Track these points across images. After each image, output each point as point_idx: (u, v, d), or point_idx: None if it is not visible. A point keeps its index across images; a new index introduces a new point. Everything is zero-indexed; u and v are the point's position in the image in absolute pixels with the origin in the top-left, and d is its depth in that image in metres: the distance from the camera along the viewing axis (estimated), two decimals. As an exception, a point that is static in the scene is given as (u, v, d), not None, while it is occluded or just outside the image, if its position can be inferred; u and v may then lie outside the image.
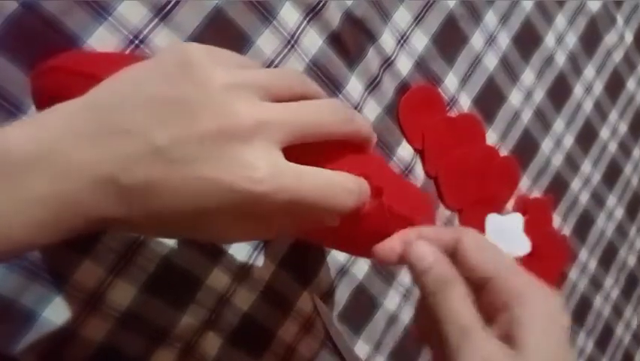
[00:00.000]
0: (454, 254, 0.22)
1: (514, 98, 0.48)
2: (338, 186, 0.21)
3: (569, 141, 0.54)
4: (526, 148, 0.50)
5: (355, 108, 0.39)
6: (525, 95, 0.49)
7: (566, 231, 0.56)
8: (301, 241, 0.37)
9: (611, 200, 0.60)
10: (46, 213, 0.18)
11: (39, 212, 0.18)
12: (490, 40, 0.46)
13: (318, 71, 0.36)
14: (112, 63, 0.22)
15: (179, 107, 0.18)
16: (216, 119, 0.18)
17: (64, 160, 0.18)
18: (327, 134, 0.22)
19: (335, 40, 0.37)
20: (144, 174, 0.18)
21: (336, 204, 0.21)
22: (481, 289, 0.21)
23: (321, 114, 0.22)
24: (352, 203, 0.22)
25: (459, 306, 0.20)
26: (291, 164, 0.20)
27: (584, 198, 0.57)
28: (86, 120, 0.18)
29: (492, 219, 0.48)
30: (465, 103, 0.45)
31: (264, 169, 0.19)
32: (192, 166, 0.18)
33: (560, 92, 0.52)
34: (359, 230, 0.25)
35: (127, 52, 0.30)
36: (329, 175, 0.21)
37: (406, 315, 0.44)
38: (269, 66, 0.34)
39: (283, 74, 0.22)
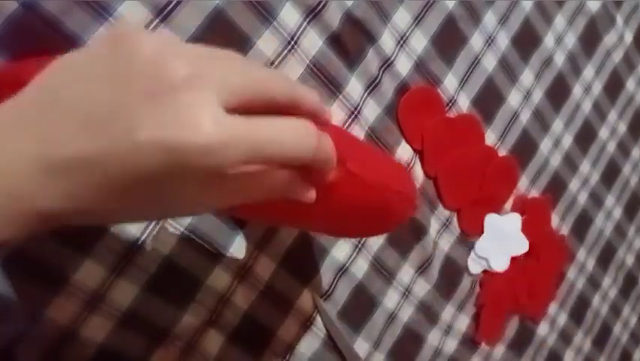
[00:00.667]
0: None
1: (513, 98, 0.48)
2: (298, 127, 0.20)
3: (567, 141, 0.54)
4: (525, 148, 0.50)
5: (355, 109, 0.39)
6: (524, 95, 0.49)
7: (565, 230, 0.56)
8: (301, 241, 0.37)
9: (610, 200, 0.60)
10: None
11: None
12: (490, 40, 0.46)
13: (318, 71, 0.37)
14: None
15: (112, 76, 0.17)
16: (145, 79, 0.17)
17: (4, 159, 0.17)
18: (273, 100, 0.19)
19: (335, 41, 0.37)
20: (82, 150, 0.17)
21: (299, 149, 0.19)
22: None
23: (266, 79, 0.20)
24: (314, 146, 0.20)
25: None
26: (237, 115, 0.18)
27: (583, 198, 0.57)
28: (21, 109, 0.18)
29: (491, 219, 0.48)
30: (464, 103, 0.45)
31: (205, 118, 0.17)
32: (129, 133, 0.17)
33: (559, 92, 0.52)
34: (333, 205, 0.24)
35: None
36: (285, 119, 0.19)
37: (405, 314, 0.44)
38: (269, 67, 0.34)
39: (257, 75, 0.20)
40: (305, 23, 0.36)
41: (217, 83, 0.18)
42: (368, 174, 0.24)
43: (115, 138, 0.17)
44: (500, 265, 0.49)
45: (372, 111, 0.40)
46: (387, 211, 0.26)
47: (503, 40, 0.47)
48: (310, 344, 0.39)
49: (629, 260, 0.65)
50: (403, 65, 0.41)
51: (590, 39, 0.54)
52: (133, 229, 0.31)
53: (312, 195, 0.22)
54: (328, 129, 0.24)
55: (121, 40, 0.18)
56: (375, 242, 0.42)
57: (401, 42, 0.41)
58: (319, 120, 0.22)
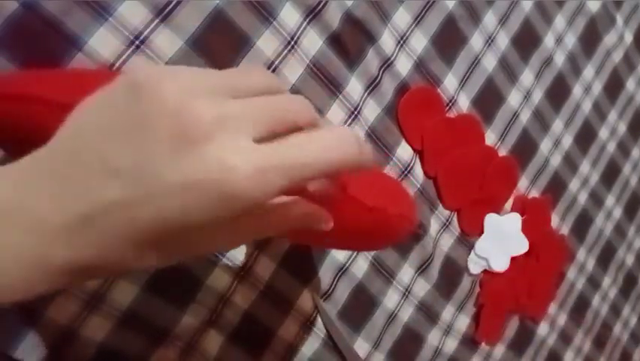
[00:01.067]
0: None
1: (513, 98, 0.48)
2: (340, 134, 0.19)
3: (567, 141, 0.54)
4: (525, 148, 0.50)
5: (355, 109, 0.39)
6: (524, 95, 0.49)
7: (565, 230, 0.56)
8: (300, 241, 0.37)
9: (610, 200, 0.60)
10: (18, 270, 0.17)
11: (12, 267, 0.17)
12: (490, 40, 0.46)
13: (318, 71, 0.37)
14: (64, 82, 0.22)
15: (133, 128, 0.17)
16: (172, 125, 0.17)
17: (29, 216, 0.17)
18: (295, 123, 0.19)
19: (335, 41, 0.37)
20: (109, 203, 0.17)
21: (346, 156, 0.19)
22: None
23: (293, 105, 0.20)
24: (357, 150, 0.20)
25: None
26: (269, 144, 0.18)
27: (583, 198, 0.57)
28: (41, 164, 0.18)
29: (491, 219, 0.48)
30: (464, 103, 0.45)
31: (239, 154, 0.17)
32: (159, 178, 0.17)
33: (558, 92, 0.52)
34: (335, 227, 0.24)
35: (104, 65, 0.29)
36: (321, 131, 0.19)
37: (405, 314, 0.44)
38: (269, 67, 0.34)
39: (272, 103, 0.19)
40: (305, 23, 0.36)
41: (244, 119, 0.18)
42: (368, 198, 0.25)
43: (141, 185, 0.17)
44: (500, 265, 0.49)
45: (372, 111, 0.40)
46: (387, 232, 0.27)
47: (503, 40, 0.47)
48: (310, 344, 0.39)
49: (629, 260, 0.65)
50: (403, 65, 0.41)
51: (590, 39, 0.54)
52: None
53: (330, 223, 0.22)
54: None
55: (139, 90, 0.17)
56: (375, 242, 0.42)
57: (401, 42, 0.41)
58: None
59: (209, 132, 0.17)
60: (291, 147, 0.18)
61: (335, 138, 0.19)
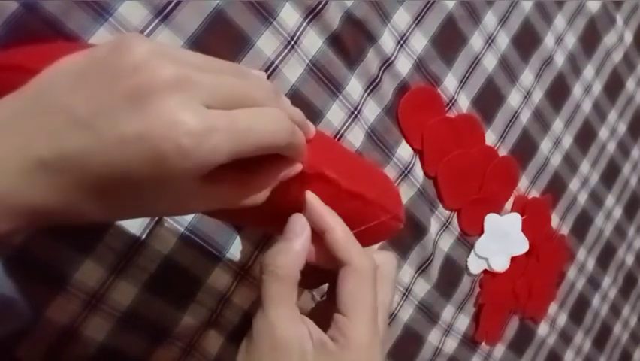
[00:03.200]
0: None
1: (513, 98, 0.48)
2: (274, 114, 0.21)
3: (567, 141, 0.54)
4: (525, 148, 0.50)
5: (355, 109, 0.39)
6: (524, 95, 0.49)
7: (565, 230, 0.56)
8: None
9: (610, 200, 0.60)
10: None
11: None
12: (490, 40, 0.46)
13: (317, 71, 0.37)
14: (54, 55, 0.22)
15: (100, 77, 0.18)
16: (132, 78, 0.18)
17: None
18: (254, 103, 0.20)
19: (335, 41, 0.37)
20: (69, 148, 0.17)
21: (277, 135, 0.20)
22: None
23: (251, 88, 0.20)
24: (290, 130, 0.21)
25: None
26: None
27: (583, 198, 0.57)
28: (12, 107, 0.19)
29: (491, 219, 0.48)
30: (464, 103, 0.45)
31: (187, 113, 0.17)
32: (113, 129, 0.17)
33: (559, 92, 0.52)
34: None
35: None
36: (262, 108, 0.20)
37: (405, 314, 0.44)
38: (269, 67, 0.34)
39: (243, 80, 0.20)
40: (305, 23, 0.36)
41: (202, 89, 0.18)
42: (347, 183, 0.25)
43: (99, 134, 0.17)
44: (500, 265, 0.49)
45: (372, 111, 0.40)
46: (366, 221, 0.26)
47: (503, 40, 0.47)
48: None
49: (629, 260, 0.65)
50: (403, 65, 0.41)
51: (590, 39, 0.54)
52: (133, 229, 0.31)
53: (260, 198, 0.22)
54: (315, 137, 0.24)
55: (116, 46, 0.18)
56: (375, 242, 0.42)
57: (401, 42, 0.41)
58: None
59: (163, 89, 0.18)
60: (238, 114, 0.19)
61: (274, 115, 0.20)
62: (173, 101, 0.17)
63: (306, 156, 0.23)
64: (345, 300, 0.23)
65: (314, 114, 0.37)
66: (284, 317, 0.23)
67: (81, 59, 0.19)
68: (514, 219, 0.50)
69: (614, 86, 0.57)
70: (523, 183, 0.51)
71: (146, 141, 0.17)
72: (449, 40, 0.43)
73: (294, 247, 0.23)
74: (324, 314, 0.24)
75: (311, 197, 0.24)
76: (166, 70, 0.18)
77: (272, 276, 0.23)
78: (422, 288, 0.45)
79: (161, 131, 0.17)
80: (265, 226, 0.32)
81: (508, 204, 0.50)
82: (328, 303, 0.25)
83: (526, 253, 0.50)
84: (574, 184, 0.56)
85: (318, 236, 0.24)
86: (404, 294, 0.44)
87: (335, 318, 0.23)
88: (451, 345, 0.48)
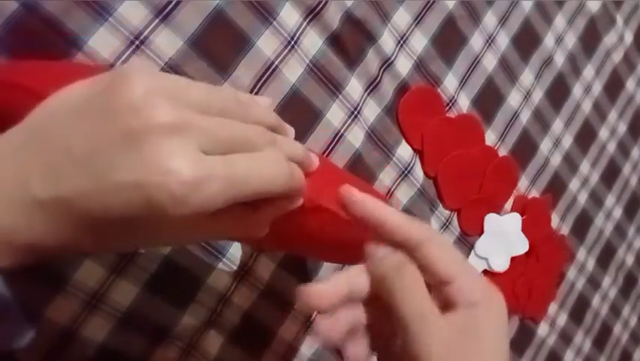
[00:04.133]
0: (412, 254, 0.23)
1: (513, 98, 0.48)
2: (272, 159, 0.20)
3: (567, 141, 0.54)
4: (525, 148, 0.50)
5: (355, 109, 0.39)
6: (524, 95, 0.49)
7: (565, 230, 0.56)
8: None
9: (610, 200, 0.60)
10: None
11: None
12: (490, 40, 0.46)
13: (317, 71, 0.37)
14: (53, 75, 0.22)
15: (98, 115, 0.18)
16: (129, 119, 0.17)
17: None
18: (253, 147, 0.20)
19: (335, 41, 0.37)
20: (66, 188, 0.17)
21: (275, 181, 0.20)
22: (436, 289, 0.22)
23: (250, 132, 0.20)
24: (288, 175, 0.21)
25: (415, 289, 0.21)
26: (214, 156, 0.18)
27: (583, 198, 0.57)
28: (10, 143, 0.18)
29: (491, 219, 0.48)
30: (464, 104, 0.45)
31: (183, 161, 0.17)
32: (109, 173, 0.17)
33: (559, 92, 0.52)
34: (313, 239, 0.25)
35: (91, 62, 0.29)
36: (259, 154, 0.20)
37: (405, 314, 0.44)
38: (269, 67, 0.34)
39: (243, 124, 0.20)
40: (305, 23, 0.36)
41: (199, 134, 0.18)
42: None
43: (95, 177, 0.17)
44: (500, 265, 0.49)
45: (372, 111, 0.40)
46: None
47: (503, 40, 0.47)
48: (310, 344, 0.39)
49: (629, 260, 0.65)
50: (403, 65, 0.41)
51: (590, 39, 0.54)
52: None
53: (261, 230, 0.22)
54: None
55: (113, 81, 0.18)
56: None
57: (401, 42, 0.41)
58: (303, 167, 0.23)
59: (159, 133, 0.17)
60: (236, 161, 0.19)
61: (272, 161, 0.20)
62: (168, 146, 0.17)
63: (306, 189, 0.23)
64: (441, 267, 0.22)
65: (314, 114, 0.37)
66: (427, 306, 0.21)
67: (80, 92, 0.19)
68: (514, 219, 0.50)
69: (614, 86, 0.57)
70: (523, 183, 0.51)
71: (141, 189, 0.17)
72: (449, 40, 0.43)
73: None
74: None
75: (363, 197, 0.24)
76: (163, 113, 0.17)
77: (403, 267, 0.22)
78: (422, 288, 0.45)
79: (156, 179, 0.17)
80: (271, 247, 0.32)
81: (508, 204, 0.50)
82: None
83: (526, 253, 0.50)
84: (574, 184, 0.56)
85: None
86: (404, 294, 0.44)
87: (445, 292, 0.22)
88: (451, 345, 0.48)
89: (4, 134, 0.19)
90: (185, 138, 0.18)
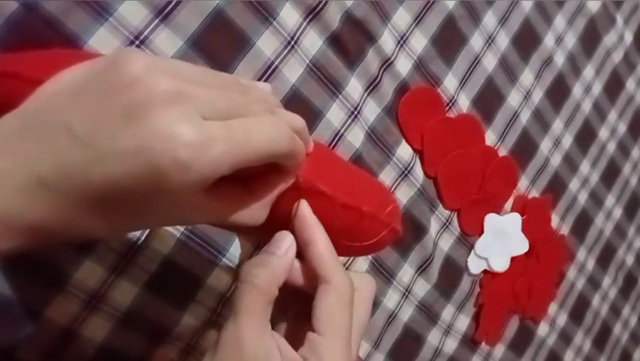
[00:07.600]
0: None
1: (513, 98, 0.48)
2: (272, 123, 0.20)
3: (567, 141, 0.54)
4: (525, 148, 0.50)
5: (355, 109, 0.39)
6: (524, 95, 0.49)
7: (565, 230, 0.56)
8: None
9: (610, 200, 0.60)
10: None
11: None
12: (490, 40, 0.46)
13: (317, 71, 0.37)
14: (51, 63, 0.22)
15: (97, 93, 0.18)
16: (128, 93, 0.17)
17: None
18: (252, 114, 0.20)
19: (335, 41, 0.37)
20: (69, 164, 0.17)
21: (277, 144, 0.20)
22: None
23: (248, 100, 0.20)
24: (289, 137, 0.21)
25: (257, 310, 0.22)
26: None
27: (583, 198, 0.57)
28: (10, 123, 0.19)
29: (491, 219, 0.48)
30: (464, 103, 0.45)
31: (184, 126, 0.17)
32: (112, 145, 0.17)
33: (558, 92, 0.52)
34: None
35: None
36: (258, 117, 0.20)
37: (405, 314, 0.44)
38: (269, 67, 0.34)
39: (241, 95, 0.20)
40: (305, 23, 0.36)
41: (198, 102, 0.18)
42: (343, 196, 0.24)
43: (98, 150, 0.17)
44: (500, 265, 0.49)
45: (372, 111, 0.40)
46: (362, 234, 0.26)
47: (503, 40, 0.47)
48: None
49: (629, 260, 0.65)
50: (403, 65, 0.41)
51: (590, 39, 0.54)
52: (133, 229, 0.31)
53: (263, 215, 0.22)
54: (313, 148, 0.24)
55: (113, 62, 0.18)
56: (375, 242, 0.42)
57: (401, 42, 0.41)
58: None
59: (159, 103, 0.17)
60: (236, 124, 0.19)
61: (272, 124, 0.20)
62: (169, 114, 0.17)
63: (302, 169, 0.23)
64: (322, 318, 0.22)
65: (314, 114, 0.37)
66: (254, 329, 0.22)
67: (79, 73, 0.19)
68: (514, 219, 0.50)
69: (614, 86, 0.57)
70: (523, 183, 0.51)
71: (144, 156, 0.17)
72: (449, 40, 0.43)
73: (275, 261, 0.23)
74: (296, 333, 0.23)
75: (304, 206, 0.24)
76: (162, 84, 0.18)
77: (249, 286, 0.22)
78: (422, 288, 0.45)
79: (159, 145, 0.17)
80: (261, 237, 0.32)
81: (508, 204, 0.50)
82: (301, 322, 0.24)
83: (526, 253, 0.50)
84: (574, 184, 0.56)
85: (302, 256, 0.24)
86: (404, 294, 0.44)
87: (309, 337, 0.22)
88: (451, 345, 0.48)
89: (3, 117, 0.19)
90: (185, 105, 0.18)
